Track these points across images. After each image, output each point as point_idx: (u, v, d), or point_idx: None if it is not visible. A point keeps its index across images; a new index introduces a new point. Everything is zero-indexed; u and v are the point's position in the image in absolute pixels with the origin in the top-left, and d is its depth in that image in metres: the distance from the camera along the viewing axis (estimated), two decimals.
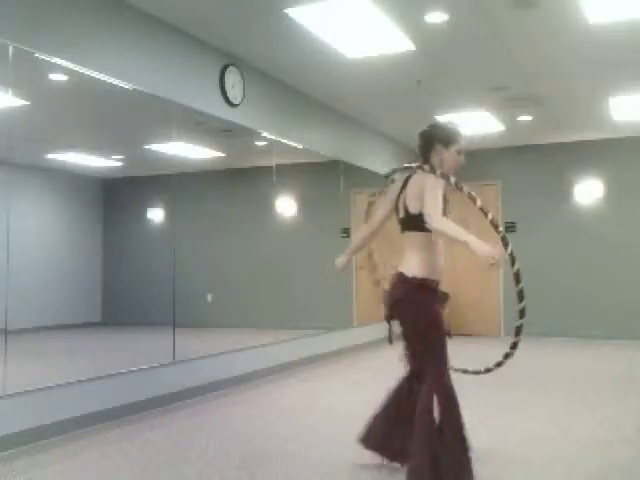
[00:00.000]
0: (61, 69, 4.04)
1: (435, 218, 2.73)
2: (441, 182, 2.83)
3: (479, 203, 2.74)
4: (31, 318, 7.14)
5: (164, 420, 4.29)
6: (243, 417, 4.39)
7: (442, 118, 7.65)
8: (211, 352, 5.26)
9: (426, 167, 2.91)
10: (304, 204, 7.84)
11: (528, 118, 7.71)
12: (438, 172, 2.85)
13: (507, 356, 2.98)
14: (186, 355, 4.94)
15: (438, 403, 2.83)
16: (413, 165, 2.98)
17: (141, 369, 4.51)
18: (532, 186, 9.24)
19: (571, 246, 8.98)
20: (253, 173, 7.48)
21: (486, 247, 2.64)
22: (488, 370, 3.13)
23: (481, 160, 9.49)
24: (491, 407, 4.63)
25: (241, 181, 7.70)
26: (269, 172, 6.53)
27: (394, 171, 3.17)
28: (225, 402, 4.87)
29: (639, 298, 8.55)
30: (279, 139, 6.31)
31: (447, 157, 3.02)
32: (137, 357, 5.15)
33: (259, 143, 6.48)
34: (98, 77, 4.16)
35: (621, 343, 8.21)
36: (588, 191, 8.94)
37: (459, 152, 3.05)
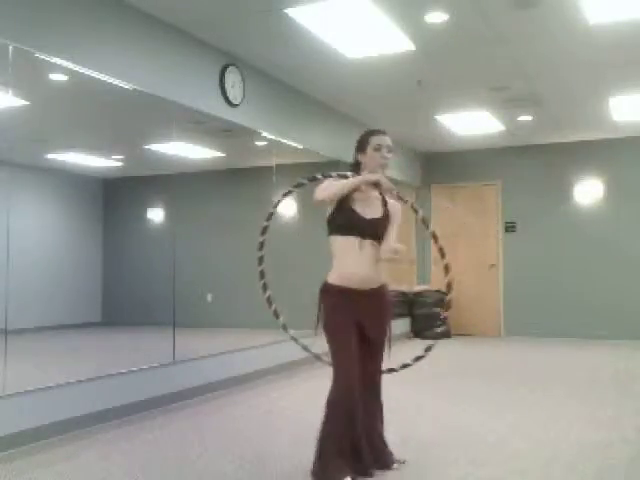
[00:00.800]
0: (61, 69, 4.04)
1: (315, 195, 2.94)
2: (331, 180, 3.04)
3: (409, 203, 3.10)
4: (31, 318, 7.15)
5: (164, 420, 4.29)
6: (243, 417, 4.39)
7: (442, 118, 7.66)
8: (211, 352, 5.26)
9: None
10: (304, 204, 7.84)
11: (528, 118, 7.72)
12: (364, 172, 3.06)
13: (419, 358, 3.18)
14: (186, 355, 4.94)
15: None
16: (319, 176, 3.16)
17: (141, 369, 4.51)
18: (532, 186, 9.24)
19: (571, 246, 8.98)
20: (253, 173, 7.49)
21: (364, 177, 2.95)
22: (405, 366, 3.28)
23: (481, 160, 9.50)
24: (491, 407, 4.63)
25: (241, 181, 7.70)
26: (269, 172, 6.53)
27: (299, 184, 3.37)
28: (225, 402, 4.87)
29: (639, 298, 8.55)
30: (279, 139, 6.31)
31: (366, 160, 3.10)
32: (137, 357, 5.15)
33: (259, 143, 6.49)
34: (98, 77, 4.16)
35: (621, 343, 8.21)
36: (588, 191, 8.94)
37: (376, 149, 3.08)
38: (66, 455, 3.50)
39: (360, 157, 3.12)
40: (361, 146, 3.13)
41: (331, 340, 3.03)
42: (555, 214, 9.12)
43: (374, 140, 3.09)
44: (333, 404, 2.96)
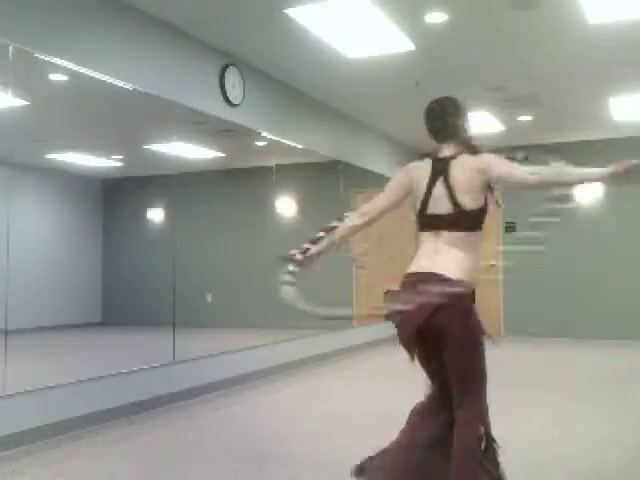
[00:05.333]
0: (61, 69, 4.04)
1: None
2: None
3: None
4: (31, 318, 7.14)
5: (164, 420, 4.29)
6: (243, 417, 4.39)
7: None
8: (211, 352, 5.26)
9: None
10: (304, 204, 7.84)
11: (528, 118, 7.71)
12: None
13: None
14: (186, 355, 4.94)
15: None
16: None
17: (141, 369, 4.51)
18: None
19: (571, 246, 8.97)
20: (253, 173, 7.48)
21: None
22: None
23: None
24: (491, 407, 4.62)
25: (241, 181, 7.69)
26: (269, 172, 6.53)
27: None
28: (225, 402, 4.87)
29: (639, 298, 8.55)
30: (279, 139, 6.31)
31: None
32: (137, 357, 5.15)
33: (259, 143, 6.48)
34: (98, 77, 4.16)
35: (621, 343, 8.20)
36: (588, 191, 8.94)
37: None
38: (66, 455, 3.50)
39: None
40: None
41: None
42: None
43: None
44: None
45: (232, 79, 5.45)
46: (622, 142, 8.70)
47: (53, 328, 7.56)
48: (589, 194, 8.93)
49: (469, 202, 2.36)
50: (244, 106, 5.64)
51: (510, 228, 9.31)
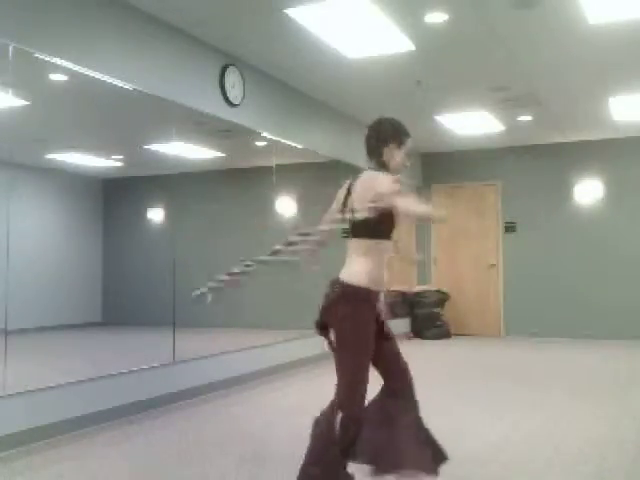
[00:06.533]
0: (61, 69, 4.04)
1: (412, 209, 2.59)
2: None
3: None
4: (31, 318, 7.15)
5: (164, 420, 4.29)
6: (243, 417, 4.39)
7: (442, 118, 7.66)
8: (211, 352, 5.26)
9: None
10: (304, 204, 7.84)
11: (528, 118, 7.71)
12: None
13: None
14: (186, 355, 4.94)
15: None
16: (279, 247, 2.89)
17: (141, 369, 4.51)
18: (532, 186, 9.24)
19: (571, 246, 8.98)
20: (253, 173, 7.48)
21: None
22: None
23: (481, 160, 9.50)
24: (492, 407, 4.63)
25: (241, 181, 7.70)
26: (269, 172, 6.53)
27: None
28: (225, 402, 4.87)
29: (639, 298, 8.55)
30: (279, 139, 6.31)
31: (394, 158, 2.70)
32: (137, 357, 5.15)
33: (259, 143, 6.48)
34: (98, 77, 4.16)
35: (621, 343, 8.21)
36: (588, 191, 8.94)
37: (407, 153, 2.73)
38: (66, 455, 3.50)
39: (388, 150, 2.68)
40: (396, 140, 2.68)
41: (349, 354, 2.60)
42: (555, 214, 9.11)
43: (409, 143, 2.71)
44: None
45: (232, 79, 5.45)
46: (622, 142, 8.71)
47: (53, 328, 7.57)
48: (589, 194, 8.94)
49: (360, 213, 2.62)
50: (244, 106, 5.64)
51: (510, 228, 9.32)
